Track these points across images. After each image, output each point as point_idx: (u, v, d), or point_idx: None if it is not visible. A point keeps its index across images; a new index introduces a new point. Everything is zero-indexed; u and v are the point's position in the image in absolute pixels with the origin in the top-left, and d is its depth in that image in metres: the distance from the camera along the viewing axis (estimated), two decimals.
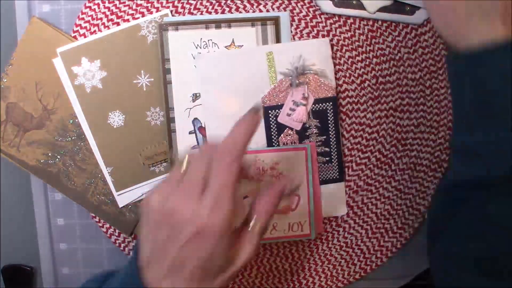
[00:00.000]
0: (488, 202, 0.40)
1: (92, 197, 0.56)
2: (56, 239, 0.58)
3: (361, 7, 0.52)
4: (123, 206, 0.55)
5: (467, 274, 0.40)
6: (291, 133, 0.54)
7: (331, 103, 0.54)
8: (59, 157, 0.55)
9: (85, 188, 0.56)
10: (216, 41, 0.52)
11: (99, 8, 0.53)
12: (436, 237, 0.45)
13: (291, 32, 0.54)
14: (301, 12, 0.53)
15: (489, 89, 0.39)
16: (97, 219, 0.57)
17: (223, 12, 0.54)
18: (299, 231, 0.55)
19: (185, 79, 0.53)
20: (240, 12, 0.54)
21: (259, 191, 0.52)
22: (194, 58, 0.53)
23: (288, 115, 0.54)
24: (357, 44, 0.54)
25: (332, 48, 0.54)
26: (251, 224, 0.38)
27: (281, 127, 0.54)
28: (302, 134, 0.54)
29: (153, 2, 0.53)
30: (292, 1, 0.53)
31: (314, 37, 0.54)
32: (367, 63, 0.54)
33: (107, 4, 0.53)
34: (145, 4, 0.53)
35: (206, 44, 0.52)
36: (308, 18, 0.54)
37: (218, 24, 0.52)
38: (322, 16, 0.54)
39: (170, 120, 0.53)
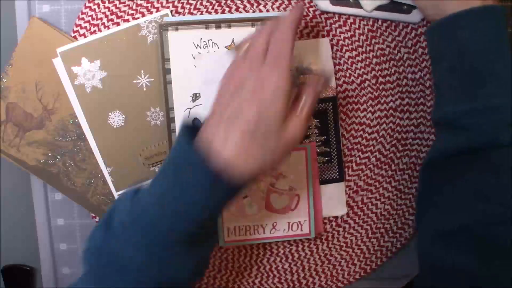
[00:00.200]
0: (470, 174, 0.40)
1: (92, 197, 0.56)
2: (56, 239, 0.58)
3: (358, 5, 0.52)
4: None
5: (450, 250, 0.40)
6: None
7: (331, 103, 0.54)
8: (59, 157, 0.55)
9: (85, 188, 0.56)
10: (216, 41, 0.52)
11: (99, 8, 0.53)
12: (421, 215, 0.45)
13: None
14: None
15: (471, 52, 0.40)
16: (97, 219, 0.57)
17: (223, 12, 0.54)
18: (299, 231, 0.55)
19: (185, 79, 0.53)
20: (240, 12, 0.54)
21: (259, 190, 0.53)
22: (194, 58, 0.53)
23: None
24: (357, 44, 0.54)
25: (332, 48, 0.54)
26: (301, 104, 0.40)
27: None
28: None
29: (153, 2, 0.53)
30: (292, 1, 0.53)
31: (314, 37, 0.54)
32: (367, 63, 0.54)
33: (107, 4, 0.53)
34: (145, 4, 0.53)
35: (206, 44, 0.52)
36: (308, 18, 0.54)
37: (218, 24, 0.52)
38: (322, 16, 0.54)
39: (170, 120, 0.53)
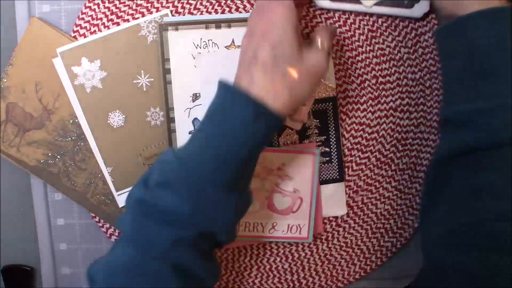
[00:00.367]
0: (478, 172, 0.40)
1: (92, 197, 0.56)
2: (56, 239, 0.58)
3: (358, 1, 0.51)
4: (123, 206, 0.55)
5: (455, 249, 0.40)
6: (291, 133, 0.54)
7: (331, 103, 0.54)
8: (59, 157, 0.55)
9: (85, 188, 0.56)
10: (216, 41, 0.52)
11: (99, 8, 0.53)
12: (426, 214, 0.45)
13: None
14: (301, 12, 0.53)
15: (483, 51, 0.40)
16: (97, 219, 0.57)
17: (223, 12, 0.54)
18: (297, 234, 0.55)
19: (185, 79, 0.53)
20: (240, 12, 0.54)
21: (264, 188, 0.52)
22: (194, 58, 0.53)
23: (288, 115, 0.53)
24: (357, 44, 0.54)
25: (332, 48, 0.54)
26: (319, 40, 0.43)
27: (281, 127, 0.54)
28: (302, 134, 0.54)
29: (153, 2, 0.53)
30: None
31: None
32: (367, 63, 0.54)
33: (107, 4, 0.53)
34: (145, 4, 0.53)
35: (206, 44, 0.52)
36: (307, 18, 0.54)
37: (218, 24, 0.52)
38: (322, 16, 0.54)
39: (170, 120, 0.53)
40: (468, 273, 0.38)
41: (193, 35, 0.52)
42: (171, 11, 0.53)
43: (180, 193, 0.40)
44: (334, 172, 0.55)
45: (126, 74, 0.53)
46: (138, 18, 0.53)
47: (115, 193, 0.55)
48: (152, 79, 0.53)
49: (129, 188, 0.55)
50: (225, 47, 0.53)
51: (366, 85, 0.55)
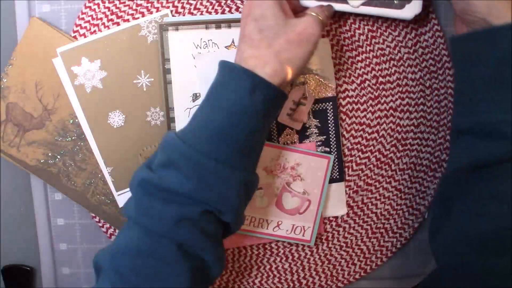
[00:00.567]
0: (501, 181, 0.40)
1: (92, 197, 0.56)
2: (56, 239, 0.58)
3: (344, 0, 0.47)
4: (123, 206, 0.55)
5: (474, 253, 0.41)
6: (291, 132, 0.54)
7: (331, 103, 0.54)
8: (59, 157, 0.55)
9: (85, 188, 0.56)
10: (216, 41, 0.52)
11: (99, 8, 0.53)
12: (442, 220, 0.45)
13: None
14: None
15: None
16: (97, 219, 0.57)
17: (223, 12, 0.54)
18: (301, 235, 0.55)
19: (185, 79, 0.53)
20: (240, 12, 0.53)
21: (274, 186, 0.53)
22: (194, 58, 0.53)
23: (288, 115, 0.54)
24: (357, 44, 0.54)
25: (332, 48, 0.54)
26: (310, 10, 0.45)
27: (281, 127, 0.54)
28: (302, 134, 0.54)
29: (153, 2, 0.53)
30: None
31: None
32: (367, 63, 0.54)
33: (107, 4, 0.53)
34: (145, 4, 0.53)
35: (206, 44, 0.52)
36: None
37: (218, 24, 0.52)
38: None
39: (170, 120, 0.53)
40: (487, 276, 0.38)
41: (193, 35, 0.52)
42: (171, 11, 0.53)
43: (183, 170, 0.40)
44: (334, 172, 0.55)
45: (126, 74, 0.53)
46: (138, 18, 0.53)
47: (115, 193, 0.55)
48: (152, 79, 0.53)
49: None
50: (225, 47, 0.53)
51: (366, 85, 0.55)
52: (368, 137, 0.55)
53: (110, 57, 0.53)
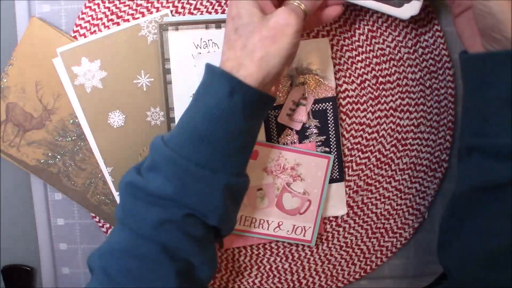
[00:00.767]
0: None
1: (92, 197, 0.56)
2: (56, 239, 0.58)
3: None
4: None
5: (484, 269, 0.41)
6: (291, 133, 0.54)
7: (331, 103, 0.54)
8: (59, 157, 0.55)
9: (85, 188, 0.56)
10: (216, 41, 0.52)
11: (99, 8, 0.53)
12: (451, 237, 0.46)
13: None
14: None
15: None
16: (97, 219, 0.57)
17: (223, 12, 0.54)
18: (301, 236, 0.55)
19: (185, 79, 0.53)
20: None
21: (274, 186, 0.53)
22: (194, 58, 0.53)
23: (288, 115, 0.54)
24: (357, 44, 0.54)
25: (332, 48, 0.54)
26: (295, 3, 0.42)
27: (281, 127, 0.54)
28: (302, 134, 0.54)
29: (153, 2, 0.53)
30: None
31: (314, 37, 0.54)
32: (367, 63, 0.54)
33: (107, 4, 0.53)
34: (145, 4, 0.53)
35: (206, 44, 0.52)
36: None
37: (218, 24, 0.52)
38: None
39: (170, 120, 0.53)
40: None
41: (193, 35, 0.52)
42: (171, 11, 0.53)
43: (166, 173, 0.40)
44: (334, 172, 0.55)
45: (126, 74, 0.53)
46: (138, 18, 0.53)
47: (115, 193, 0.55)
48: (152, 79, 0.53)
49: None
50: None
51: (366, 85, 0.55)
52: (368, 137, 0.55)
53: (110, 57, 0.53)
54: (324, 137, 0.55)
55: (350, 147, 0.56)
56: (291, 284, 0.58)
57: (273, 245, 0.57)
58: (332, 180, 0.55)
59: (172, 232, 0.40)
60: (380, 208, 0.56)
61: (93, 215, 0.56)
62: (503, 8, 0.40)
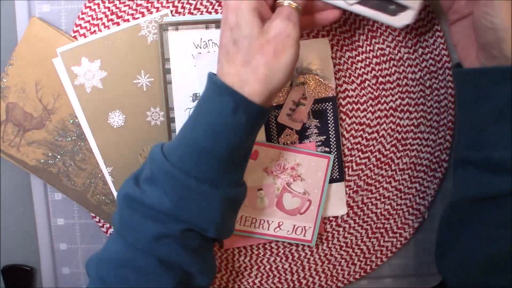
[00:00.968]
0: (509, 209, 0.40)
1: (92, 197, 0.56)
2: (56, 239, 0.58)
3: None
4: None
5: (482, 275, 0.42)
6: (291, 133, 0.54)
7: (331, 103, 0.54)
8: (59, 157, 0.55)
9: (85, 188, 0.56)
10: (216, 41, 0.52)
11: (99, 8, 0.53)
12: (449, 245, 0.46)
13: None
14: None
15: None
16: (97, 219, 0.57)
17: None
18: (302, 236, 0.55)
19: (185, 79, 0.53)
20: None
21: (275, 187, 0.53)
22: (194, 58, 0.53)
23: (288, 115, 0.54)
24: (357, 44, 0.54)
25: (332, 48, 0.54)
26: (286, 3, 0.40)
27: (281, 127, 0.54)
28: (302, 134, 0.54)
29: (153, 2, 0.53)
30: None
31: (314, 37, 0.54)
32: (367, 63, 0.54)
33: (107, 4, 0.53)
34: (145, 4, 0.53)
35: (206, 44, 0.52)
36: None
37: (218, 24, 0.52)
38: None
39: (170, 120, 0.53)
40: None
41: (193, 35, 0.52)
42: (171, 11, 0.53)
43: (164, 188, 0.40)
44: (334, 172, 0.55)
45: (126, 74, 0.53)
46: (138, 18, 0.53)
47: (115, 193, 0.55)
48: (152, 79, 0.53)
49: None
50: None
51: (366, 85, 0.55)
52: (368, 137, 0.55)
53: (110, 57, 0.53)
54: (324, 137, 0.55)
55: (350, 147, 0.56)
56: (291, 284, 0.58)
57: (273, 245, 0.57)
58: (332, 180, 0.55)
59: (170, 246, 0.40)
60: (380, 208, 0.56)
61: (93, 215, 0.56)
62: (507, 26, 0.38)
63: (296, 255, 0.57)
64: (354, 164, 0.56)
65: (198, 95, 0.53)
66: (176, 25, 0.52)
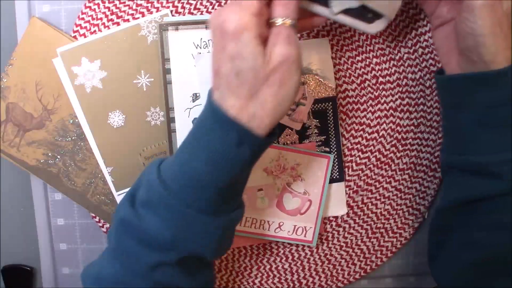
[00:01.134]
0: (496, 212, 0.41)
1: (92, 197, 0.56)
2: (56, 239, 0.58)
3: (326, 3, 0.44)
4: None
5: (473, 278, 0.42)
6: (291, 133, 0.54)
7: (331, 103, 0.54)
8: (59, 157, 0.55)
9: (85, 188, 0.56)
10: None
11: (99, 8, 0.53)
12: (439, 249, 0.46)
13: None
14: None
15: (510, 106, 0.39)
16: (97, 219, 0.57)
17: None
18: (302, 236, 0.55)
19: (185, 79, 0.53)
20: None
21: (275, 187, 0.52)
22: (194, 58, 0.53)
23: (288, 115, 0.54)
24: (357, 44, 0.54)
25: (332, 48, 0.54)
26: (279, 21, 0.37)
27: (281, 127, 0.54)
28: (302, 134, 0.54)
29: (153, 2, 0.53)
30: None
31: (314, 37, 0.54)
32: (367, 63, 0.54)
33: (107, 4, 0.53)
34: (145, 4, 0.53)
35: (206, 44, 0.52)
36: None
37: None
38: None
39: (170, 120, 0.53)
40: None
41: (193, 35, 0.52)
42: (171, 11, 0.53)
43: (162, 216, 0.38)
44: (334, 172, 0.55)
45: (126, 74, 0.53)
46: (138, 18, 0.53)
47: (115, 193, 0.55)
48: (152, 79, 0.53)
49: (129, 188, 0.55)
50: None
51: (366, 85, 0.55)
52: (368, 137, 0.56)
53: (110, 57, 0.53)
54: (324, 137, 0.55)
55: (350, 147, 0.56)
56: (291, 284, 0.58)
57: (273, 245, 0.57)
58: (332, 180, 0.55)
59: (167, 272, 0.39)
60: (380, 208, 0.56)
61: (93, 215, 0.56)
62: (486, 31, 0.39)
63: (296, 255, 0.57)
64: (354, 164, 0.56)
65: (198, 95, 0.53)
66: (176, 25, 0.52)
